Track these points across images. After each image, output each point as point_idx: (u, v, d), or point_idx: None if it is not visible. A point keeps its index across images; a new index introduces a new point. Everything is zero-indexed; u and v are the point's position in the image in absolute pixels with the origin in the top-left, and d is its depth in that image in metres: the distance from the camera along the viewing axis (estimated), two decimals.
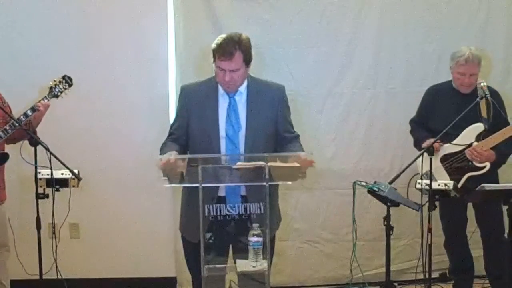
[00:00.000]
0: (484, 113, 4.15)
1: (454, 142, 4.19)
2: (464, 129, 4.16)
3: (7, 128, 3.78)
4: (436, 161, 4.23)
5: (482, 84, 4.11)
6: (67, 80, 3.97)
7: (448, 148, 4.22)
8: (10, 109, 4.02)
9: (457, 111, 4.03)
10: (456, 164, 4.21)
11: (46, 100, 3.89)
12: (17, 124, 3.76)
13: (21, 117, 3.83)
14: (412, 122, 4.53)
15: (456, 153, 4.22)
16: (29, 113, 3.82)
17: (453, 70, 4.27)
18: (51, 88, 3.93)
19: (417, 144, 4.35)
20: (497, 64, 4.86)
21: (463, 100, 4.15)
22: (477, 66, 4.20)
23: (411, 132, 4.53)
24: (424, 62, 4.89)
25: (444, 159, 4.24)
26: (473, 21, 4.87)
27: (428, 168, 4.12)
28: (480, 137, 4.16)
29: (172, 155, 3.08)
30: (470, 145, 4.17)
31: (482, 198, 4.04)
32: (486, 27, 4.87)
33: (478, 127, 4.15)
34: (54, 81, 3.95)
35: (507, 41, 4.88)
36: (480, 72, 4.24)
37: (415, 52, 4.89)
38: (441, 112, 4.26)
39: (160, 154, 3.18)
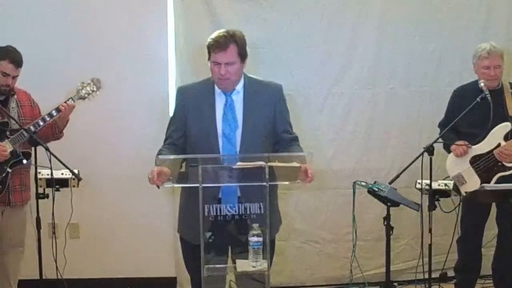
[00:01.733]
0: (511, 112, 4.13)
1: (482, 143, 4.15)
2: (492, 128, 4.11)
3: (31, 127, 3.83)
4: (466, 163, 4.20)
5: (482, 84, 4.10)
6: (95, 83, 4.03)
7: (476, 149, 4.18)
8: (39, 110, 4.06)
9: (483, 110, 4.00)
10: (485, 165, 4.19)
11: (71, 101, 3.93)
12: (27, 129, 3.79)
13: (46, 117, 3.86)
14: (440, 125, 4.48)
15: (484, 154, 4.17)
16: (54, 113, 3.88)
17: (477, 68, 4.23)
18: (78, 90, 3.98)
19: (446, 147, 4.30)
20: None
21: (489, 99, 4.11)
22: (500, 58, 4.19)
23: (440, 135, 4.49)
24: (424, 62, 4.89)
25: (473, 161, 4.20)
26: (473, 21, 4.88)
27: (457, 171, 4.11)
28: (508, 136, 4.13)
29: (155, 172, 3.06)
30: (498, 145, 4.15)
31: (483, 198, 4.04)
32: (486, 27, 4.87)
33: (506, 126, 4.11)
34: (83, 83, 3.99)
35: (507, 41, 4.87)
36: (504, 67, 4.22)
37: (415, 52, 4.89)
38: (468, 112, 4.15)
39: (156, 161, 3.16)
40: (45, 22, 4.73)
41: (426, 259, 4.04)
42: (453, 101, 4.42)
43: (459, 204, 4.16)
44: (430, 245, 4.00)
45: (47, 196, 3.87)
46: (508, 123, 4.11)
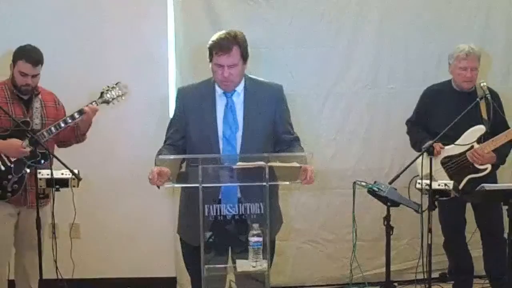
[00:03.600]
0: (484, 115, 4.15)
1: (455, 144, 4.18)
2: (465, 130, 4.15)
3: (52, 128, 3.85)
4: (437, 163, 4.22)
5: (482, 84, 4.11)
6: (121, 88, 4.02)
7: (448, 150, 4.21)
8: (64, 111, 4.07)
9: (458, 111, 4.01)
10: (456, 166, 4.20)
11: (94, 104, 3.94)
12: (63, 125, 3.84)
13: (68, 119, 3.88)
14: (409, 122, 4.52)
15: (456, 155, 4.21)
16: (76, 115, 3.90)
17: (453, 68, 4.27)
18: (102, 93, 3.99)
19: (417, 146, 4.34)
20: (497, 64, 4.87)
21: (463, 100, 4.14)
22: (477, 60, 4.22)
23: (408, 132, 4.52)
24: (424, 62, 4.90)
25: (445, 161, 4.23)
26: (473, 21, 4.88)
27: (428, 171, 4.12)
28: (481, 139, 4.15)
29: (155, 172, 3.05)
30: (471, 147, 4.16)
31: (482, 199, 4.04)
32: (486, 27, 4.87)
33: (479, 129, 4.14)
34: (108, 86, 4.00)
35: (507, 41, 4.88)
36: (479, 70, 4.24)
37: (415, 52, 4.89)
38: (441, 112, 4.24)
39: (155, 161, 3.16)
40: (44, 21, 4.73)
41: (426, 259, 4.04)
42: (425, 100, 4.43)
43: (428, 201, 4.14)
44: (430, 245, 4.00)
45: (47, 196, 3.87)
46: (482, 126, 4.14)
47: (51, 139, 3.93)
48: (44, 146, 3.75)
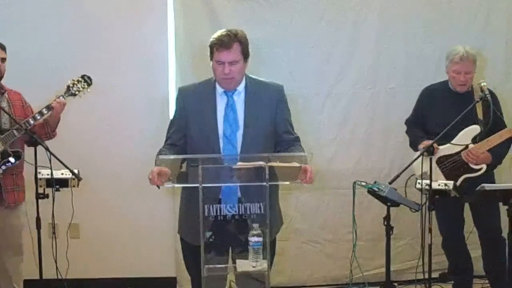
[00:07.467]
0: (480, 115, 4.15)
1: (450, 144, 4.17)
2: (460, 130, 4.15)
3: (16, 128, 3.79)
4: (432, 163, 4.22)
5: (482, 84, 4.11)
6: (86, 80, 3.99)
7: (444, 150, 4.22)
8: (31, 110, 4.03)
9: (454, 111, 4.03)
10: (452, 166, 4.20)
11: (62, 98, 3.90)
12: (23, 126, 3.77)
13: (36, 115, 3.84)
14: (408, 122, 4.52)
15: (452, 155, 4.21)
16: (45, 111, 3.86)
17: (448, 69, 4.26)
18: (68, 86, 3.95)
19: (413, 145, 4.34)
20: (497, 64, 4.86)
21: (459, 100, 4.15)
22: (472, 64, 4.19)
23: (406, 132, 4.52)
24: (424, 62, 4.89)
25: (440, 161, 4.23)
26: (473, 21, 4.88)
27: (424, 170, 4.12)
28: (476, 139, 4.16)
29: (155, 172, 3.05)
30: (466, 147, 4.17)
31: (481, 198, 4.04)
32: (486, 27, 4.87)
33: (475, 129, 4.15)
34: (73, 80, 3.97)
35: (507, 41, 4.88)
36: (475, 72, 4.23)
37: (415, 52, 4.89)
38: (437, 112, 4.24)
39: (156, 161, 3.16)
40: (45, 21, 4.73)
41: (426, 259, 4.04)
42: (422, 100, 4.43)
43: (425, 203, 4.13)
44: (430, 245, 4.00)
45: (47, 196, 3.86)
46: (477, 126, 4.14)
47: (21, 138, 3.85)
48: (44, 145, 3.74)
